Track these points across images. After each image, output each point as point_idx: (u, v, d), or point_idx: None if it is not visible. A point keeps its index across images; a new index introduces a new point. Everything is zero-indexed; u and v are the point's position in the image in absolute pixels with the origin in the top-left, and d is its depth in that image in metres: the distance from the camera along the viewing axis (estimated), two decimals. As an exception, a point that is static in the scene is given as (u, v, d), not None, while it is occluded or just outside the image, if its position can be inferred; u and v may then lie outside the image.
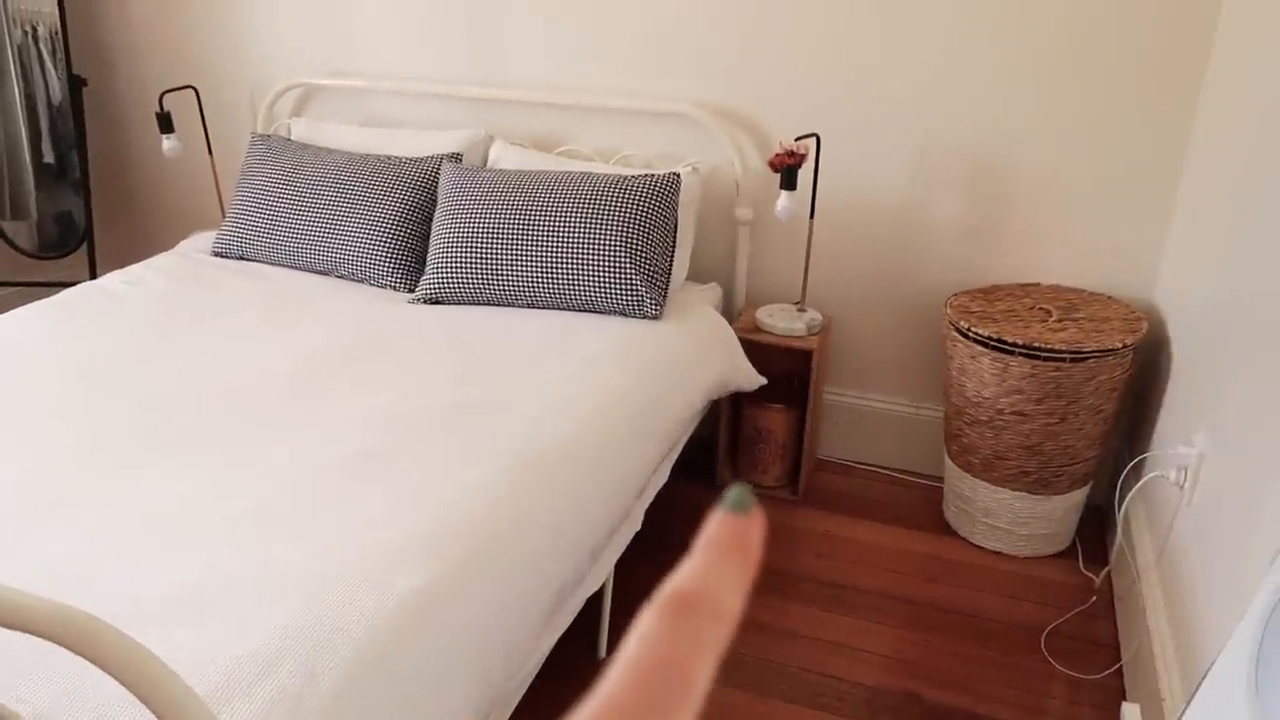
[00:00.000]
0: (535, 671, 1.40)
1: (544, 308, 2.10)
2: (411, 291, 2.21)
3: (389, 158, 2.35)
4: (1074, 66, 2.07)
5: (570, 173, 2.20)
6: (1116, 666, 1.82)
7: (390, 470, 1.39)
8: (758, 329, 2.28)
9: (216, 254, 2.39)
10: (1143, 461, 2.03)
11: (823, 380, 2.45)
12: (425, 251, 2.25)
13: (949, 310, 2.10)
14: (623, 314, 2.06)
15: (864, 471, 2.50)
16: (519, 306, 2.11)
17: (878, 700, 1.74)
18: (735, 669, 1.79)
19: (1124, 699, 1.73)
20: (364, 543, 1.21)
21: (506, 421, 1.55)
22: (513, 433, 1.51)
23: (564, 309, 2.09)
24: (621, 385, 1.74)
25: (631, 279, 2.04)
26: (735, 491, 0.30)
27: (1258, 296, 1.47)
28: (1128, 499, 1.90)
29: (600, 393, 1.69)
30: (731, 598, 0.28)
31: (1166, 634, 1.61)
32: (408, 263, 2.24)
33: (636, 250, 2.06)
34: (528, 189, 2.15)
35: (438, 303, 2.14)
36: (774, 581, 2.05)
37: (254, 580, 1.13)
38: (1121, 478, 2.04)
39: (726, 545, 0.29)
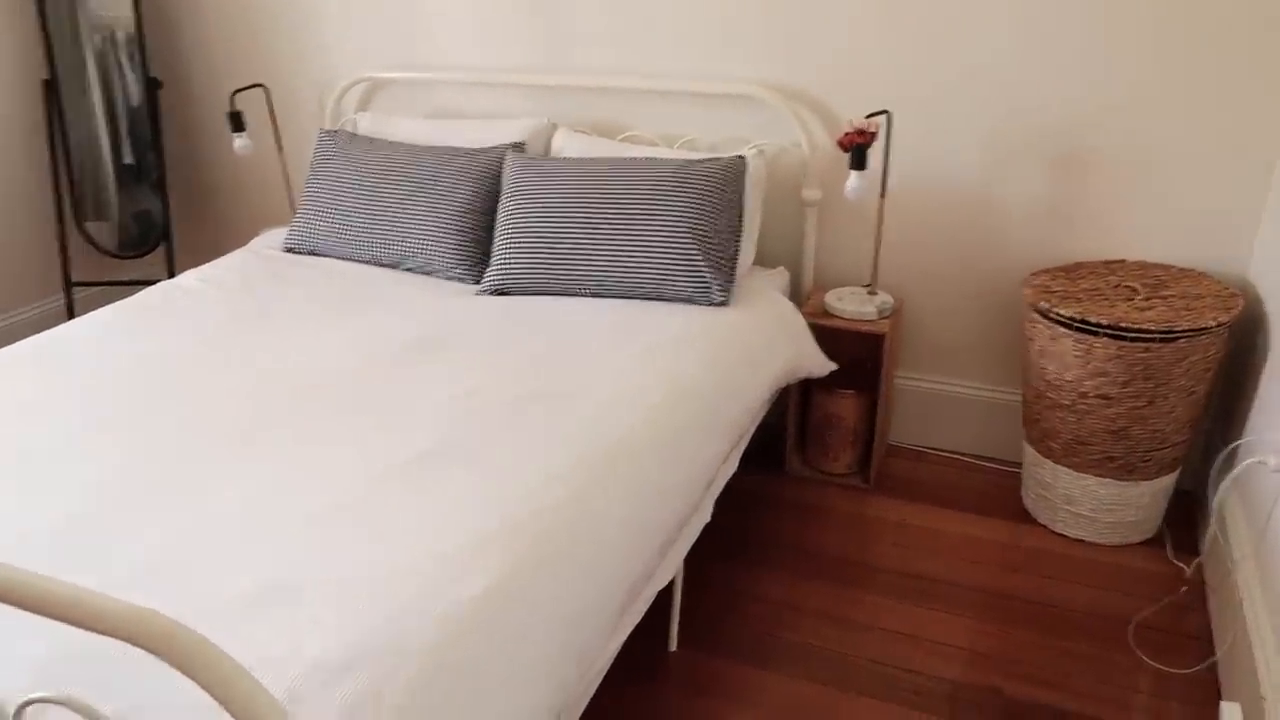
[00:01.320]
0: (608, 666, 1.39)
1: (610, 296, 2.08)
2: (478, 283, 2.21)
3: (453, 149, 2.36)
4: (1168, 31, 1.97)
5: (634, 158, 2.18)
6: (1210, 661, 1.74)
7: (461, 465, 1.40)
8: (827, 313, 2.23)
9: (288, 250, 2.43)
10: (1238, 447, 1.94)
11: (894, 364, 2.39)
12: (491, 242, 2.25)
13: (1028, 290, 2.03)
14: (690, 301, 2.04)
15: (938, 458, 2.43)
16: (586, 295, 2.10)
17: (959, 694, 1.69)
18: (810, 662, 1.77)
19: (1220, 696, 1.66)
20: (436, 541, 1.22)
21: (575, 413, 1.54)
22: (581, 425, 1.50)
23: (630, 297, 2.07)
24: (690, 374, 1.72)
25: (698, 265, 2.01)
26: None
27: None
28: (1222, 486, 1.82)
29: (668, 382, 1.67)
30: None
31: (1267, 629, 1.54)
32: (474, 254, 2.24)
33: (702, 236, 2.03)
34: (591, 176, 2.13)
35: (504, 293, 2.14)
36: (849, 572, 2.01)
37: (328, 581, 1.14)
38: (1216, 464, 1.94)
39: None
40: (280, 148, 2.81)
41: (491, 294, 2.14)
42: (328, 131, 2.50)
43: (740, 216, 2.12)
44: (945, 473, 2.37)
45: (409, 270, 2.30)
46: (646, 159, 2.16)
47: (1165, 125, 2.04)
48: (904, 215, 2.30)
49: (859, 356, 2.31)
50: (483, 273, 2.22)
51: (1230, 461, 1.93)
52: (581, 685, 1.26)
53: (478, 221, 2.26)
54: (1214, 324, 1.85)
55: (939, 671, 1.75)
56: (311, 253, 2.41)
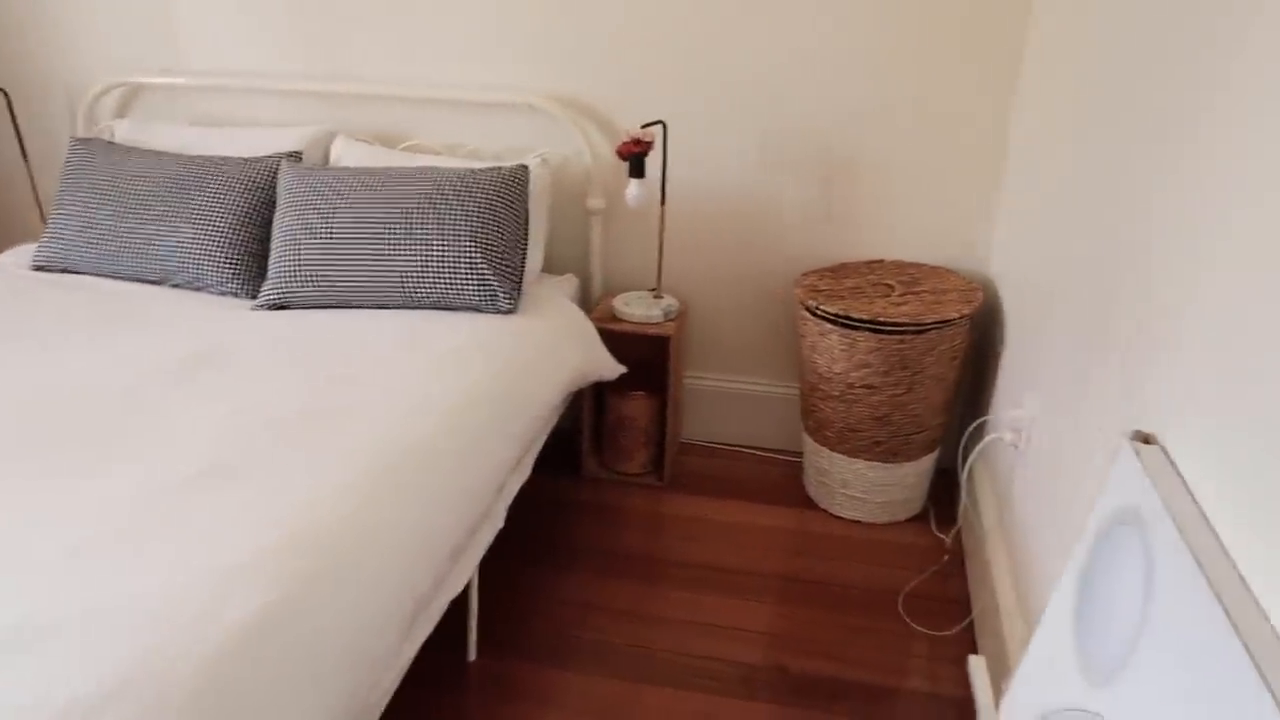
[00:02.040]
0: (399, 679, 1.37)
1: (395, 307, 2.05)
2: (254, 298, 2.12)
3: (223, 159, 2.24)
4: (901, 52, 2.16)
5: (416, 168, 2.15)
6: (967, 621, 1.91)
7: (236, 486, 1.33)
8: (615, 318, 2.29)
9: (38, 268, 2.23)
10: (983, 425, 2.14)
11: (682, 365, 2.48)
12: (267, 256, 2.16)
13: (799, 290, 2.16)
14: (477, 310, 2.03)
15: (727, 452, 2.54)
16: (369, 307, 2.05)
17: (752, 676, 1.78)
18: (611, 659, 1.80)
19: (974, 652, 1.82)
20: (210, 563, 1.16)
21: (359, 426, 1.51)
22: (365, 437, 1.47)
23: (416, 308, 2.04)
24: (478, 382, 1.72)
25: (484, 273, 2.01)
26: None
27: (1072, 267, 1.57)
28: (970, 461, 2.00)
29: (456, 391, 1.66)
30: None
31: (1010, 588, 1.71)
32: (249, 268, 2.14)
33: (487, 244, 2.03)
34: (372, 186, 2.09)
35: (283, 308, 2.06)
36: (646, 568, 2.07)
37: (89, 615, 1.07)
38: (964, 441, 2.14)
39: None
40: (25, 157, 2.58)
41: (269, 309, 2.05)
42: (80, 139, 2.32)
43: (525, 225, 2.14)
44: (734, 466, 2.48)
45: (177, 286, 2.17)
46: (429, 168, 2.15)
47: (905, 137, 2.23)
48: (685, 221, 2.40)
49: (648, 358, 2.38)
50: (259, 287, 2.13)
51: (977, 439, 2.13)
52: (374, 695, 1.24)
53: (252, 234, 2.16)
54: (958, 316, 2.04)
55: (733, 656, 1.83)
56: (65, 270, 2.23)
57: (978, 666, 1.52)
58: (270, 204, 2.19)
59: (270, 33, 2.44)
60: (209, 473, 1.36)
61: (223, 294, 2.14)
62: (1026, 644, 1.51)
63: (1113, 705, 0.91)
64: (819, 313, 2.09)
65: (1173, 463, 1.01)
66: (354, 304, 2.05)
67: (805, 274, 2.25)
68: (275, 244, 2.08)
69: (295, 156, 2.28)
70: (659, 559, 2.10)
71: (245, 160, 2.23)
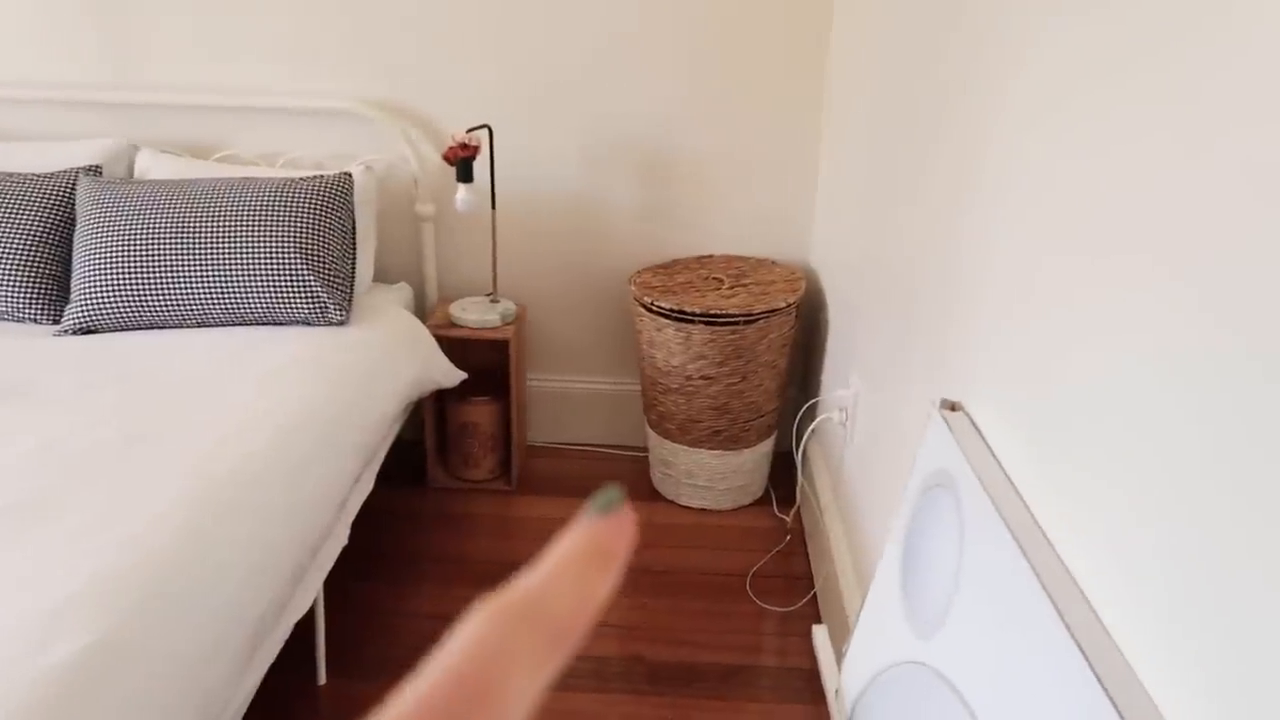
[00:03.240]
0: (244, 708, 1.31)
1: (218, 325, 1.95)
2: (57, 323, 1.98)
3: (10, 175, 2.08)
4: (713, 48, 2.23)
5: (232, 179, 2.06)
6: (811, 594, 2.00)
7: (46, 523, 1.24)
8: (452, 324, 2.26)
9: None
10: (814, 407, 2.24)
11: (524, 368, 2.48)
12: (70, 277, 2.01)
13: (633, 287, 2.20)
14: (306, 323, 1.97)
15: (575, 452, 2.56)
16: (188, 327, 1.95)
17: (605, 669, 1.80)
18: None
19: (818, 623, 1.91)
20: (21, 609, 1.07)
21: (182, 450, 1.43)
22: (187, 461, 1.39)
23: (241, 324, 1.96)
24: (309, 397, 1.66)
25: (310, 286, 1.95)
26: (603, 492, 0.28)
27: (883, 252, 1.67)
28: (804, 443, 2.09)
29: (285, 407, 1.60)
30: (572, 611, 0.25)
31: (847, 559, 1.80)
32: (49, 291, 2.00)
33: (313, 255, 1.97)
34: (184, 199, 1.98)
35: (91, 332, 1.93)
36: (498, 574, 2.03)
37: None
38: (796, 424, 2.24)
39: (579, 553, 0.27)
40: None
41: (75, 334, 1.92)
42: None
43: (352, 234, 2.09)
44: (582, 466, 2.50)
45: (-34, 315, 1.99)
46: (245, 179, 2.06)
47: (728, 132, 2.31)
48: (517, 223, 2.40)
49: (489, 363, 2.37)
50: (62, 311, 1.98)
51: (810, 421, 2.23)
52: (213, 733, 1.18)
53: (50, 254, 2.01)
54: (784, 304, 2.13)
55: (588, 651, 1.84)
56: None
57: (821, 636, 1.60)
58: (69, 222, 2.04)
59: (55, 37, 2.27)
60: (17, 511, 1.26)
61: (20, 320, 1.98)
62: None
63: (938, 653, 0.98)
64: (654, 308, 2.13)
65: (976, 427, 1.09)
66: (171, 324, 1.94)
67: (639, 271, 2.30)
68: (78, 264, 1.95)
69: (94, 171, 2.14)
70: (512, 563, 2.08)
71: (37, 176, 2.08)
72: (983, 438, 1.07)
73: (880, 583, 1.19)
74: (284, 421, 1.55)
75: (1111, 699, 0.67)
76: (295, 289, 1.94)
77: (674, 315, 2.11)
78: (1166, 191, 0.73)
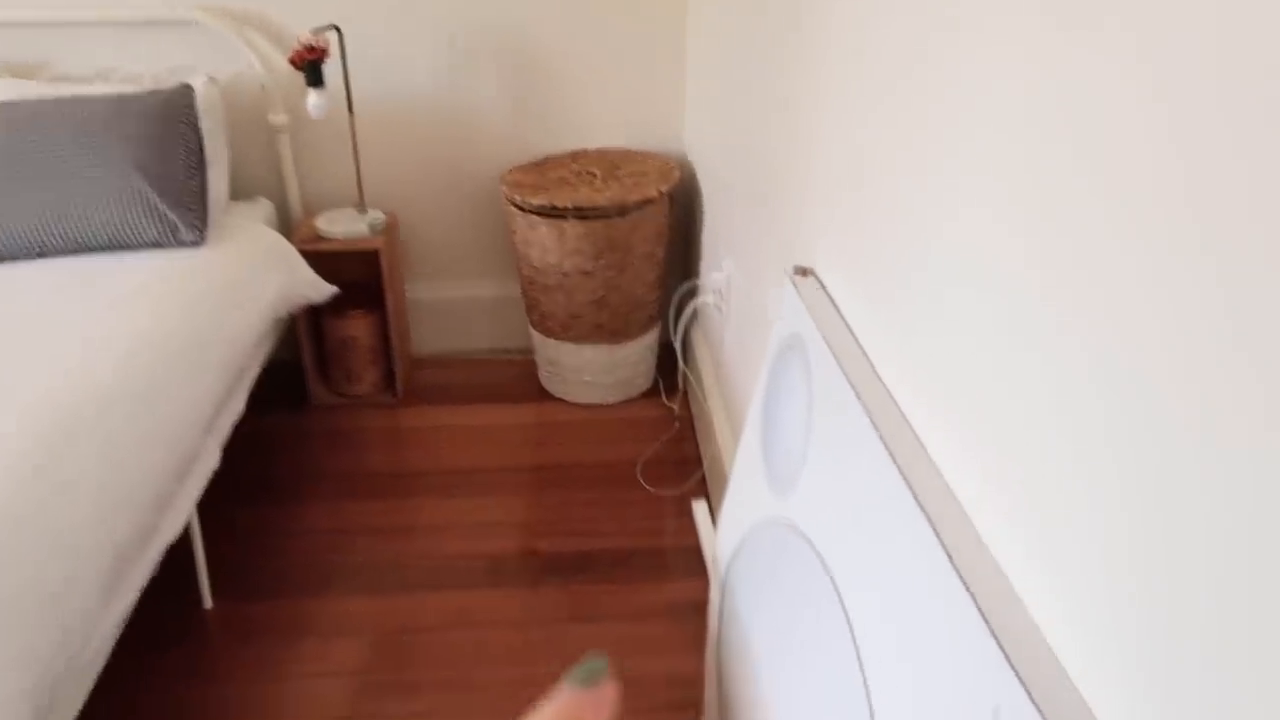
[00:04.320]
0: (114, 637, 1.29)
1: (60, 254, 1.84)
2: (-121, 264, 1.83)
3: None
4: (571, -66, 2.15)
5: (62, 99, 1.92)
6: (699, 476, 2.05)
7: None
8: (319, 237, 2.19)
9: None
10: (692, 292, 2.26)
11: (400, 278, 2.43)
12: (-112, 214, 1.86)
13: (504, 186, 2.16)
14: (157, 246, 1.87)
15: (461, 361, 2.54)
16: (27, 258, 1.83)
17: (501, 565, 1.82)
18: (363, 576, 1.78)
19: (703, 501, 1.97)
20: None
21: (23, 382, 1.36)
22: (32, 392, 1.33)
23: (87, 252, 1.85)
24: (162, 320, 1.59)
25: (157, 207, 1.85)
26: (587, 663, 0.27)
27: (747, 130, 1.66)
28: (684, 330, 2.11)
29: (138, 332, 1.53)
30: None
31: (729, 438, 1.84)
32: None
33: (157, 175, 1.86)
34: (9, 123, 1.84)
35: (-82, 271, 1.80)
36: (390, 485, 2.04)
37: None
38: (673, 310, 2.25)
39: None
40: None
41: (-100, 274, 1.79)
42: None
43: (199, 150, 1.97)
44: (469, 373, 2.48)
45: None
46: (75, 99, 1.92)
47: (598, 26, 2.24)
48: (380, 129, 2.31)
49: (364, 276, 2.31)
50: (-117, 251, 1.84)
51: (689, 306, 2.25)
52: (84, 657, 1.16)
53: None
54: (658, 194, 2.11)
55: (483, 550, 1.86)
56: None
57: (700, 511, 1.64)
58: (-120, 154, 1.88)
59: None
60: None
61: None
62: (744, 484, 1.65)
63: (794, 509, 1.01)
64: (525, 207, 2.10)
65: (826, 290, 1.11)
66: (7, 256, 1.82)
67: (509, 170, 2.25)
68: (-106, 199, 1.80)
69: (-97, 97, 1.96)
70: (403, 473, 2.09)
71: None
72: (832, 301, 1.09)
73: (745, 448, 1.22)
74: (133, 346, 1.48)
75: (942, 541, 0.71)
76: (140, 211, 1.84)
77: (546, 212, 2.07)
78: (1007, 49, 0.73)
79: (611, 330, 2.22)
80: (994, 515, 0.70)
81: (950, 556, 0.68)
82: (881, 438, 0.83)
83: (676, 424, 2.24)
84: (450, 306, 2.52)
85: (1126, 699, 0.53)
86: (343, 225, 2.19)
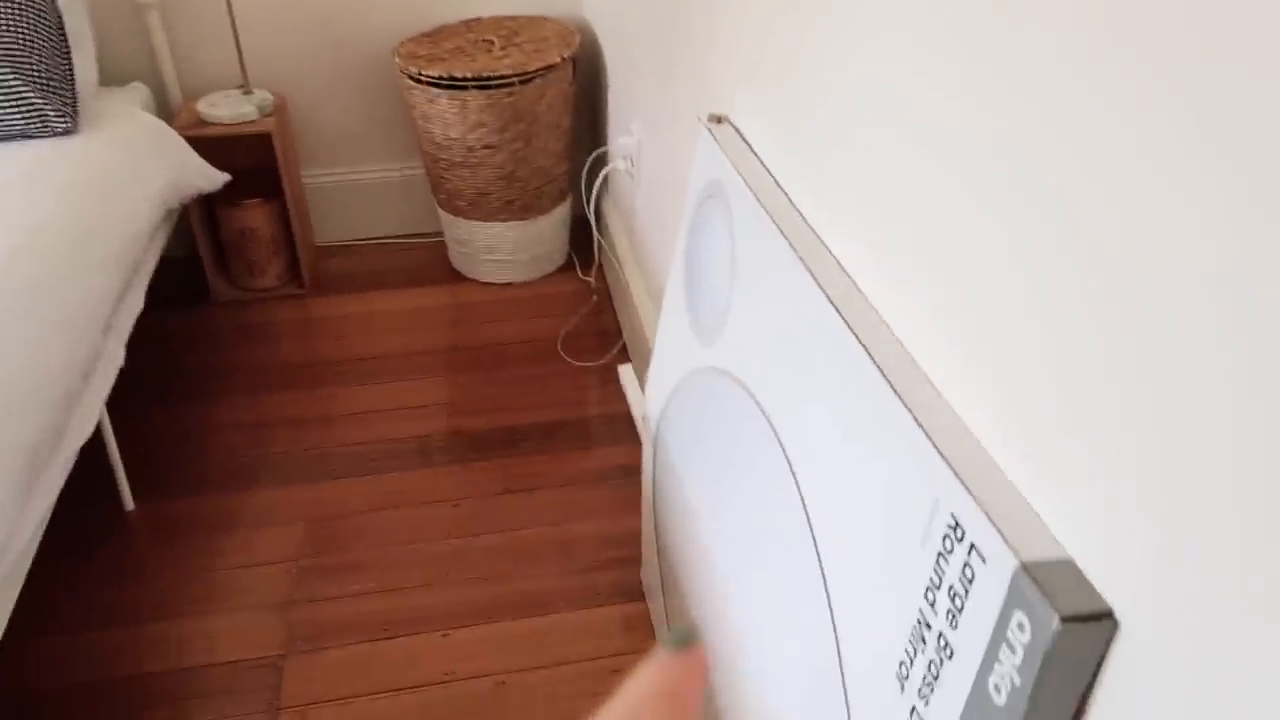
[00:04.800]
0: (34, 542, 1.25)
1: (-85, 150, 1.70)
2: None
3: None
4: None
5: (-110, -25, 1.73)
6: (620, 345, 2.06)
7: None
8: (203, 122, 2.06)
9: None
10: (602, 159, 2.22)
11: (295, 164, 2.31)
12: None
13: (398, 59, 2.05)
14: (26, 136, 1.74)
15: (368, 247, 2.46)
16: (-121, 156, 1.68)
17: (427, 445, 1.81)
18: (288, 467, 1.75)
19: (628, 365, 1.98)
20: None
21: (-104, 287, 1.27)
22: (-94, 296, 1.24)
23: (-55, 146, 1.71)
24: (38, 214, 1.49)
25: (21, 93, 1.71)
26: (678, 628, 0.27)
27: (646, -20, 1.61)
28: (597, 201, 2.08)
29: (16, 226, 1.43)
30: None
31: (647, 302, 1.84)
32: None
33: (17, 58, 1.71)
34: None
35: None
36: (305, 375, 1.99)
37: None
38: (583, 179, 2.21)
39: (650, 695, 0.25)
40: None
41: None
42: None
43: (59, 30, 1.82)
44: (377, 259, 2.41)
45: None
46: (-93, -28, 1.73)
47: (479, -125, 2.11)
48: (260, 3, 2.16)
49: (258, 163, 2.19)
50: None
51: (599, 175, 2.21)
52: (1, 566, 1.12)
53: None
54: (559, 59, 2.04)
55: (409, 433, 1.84)
56: None
57: (627, 374, 1.65)
58: None
59: None
60: None
61: None
62: (667, 346, 1.66)
63: (724, 352, 1.02)
64: (422, 79, 2.00)
65: (742, 136, 1.10)
66: None
67: (402, 42, 2.14)
68: None
69: None
70: (317, 363, 2.04)
71: None
72: (749, 145, 1.07)
73: (669, 303, 1.22)
74: (13, 241, 1.39)
75: (870, 355, 0.72)
76: (2, 99, 1.70)
77: (445, 83, 1.99)
78: None
79: (522, 205, 2.17)
80: (915, 325, 0.71)
81: (880, 369, 0.70)
82: (805, 264, 0.83)
83: (594, 297, 2.23)
84: (351, 191, 2.42)
85: (1056, 489, 0.56)
86: (227, 108, 2.07)
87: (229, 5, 2.04)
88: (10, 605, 1.20)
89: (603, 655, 1.41)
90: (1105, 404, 0.51)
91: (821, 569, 0.79)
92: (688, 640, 0.27)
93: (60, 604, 1.49)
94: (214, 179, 2.01)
